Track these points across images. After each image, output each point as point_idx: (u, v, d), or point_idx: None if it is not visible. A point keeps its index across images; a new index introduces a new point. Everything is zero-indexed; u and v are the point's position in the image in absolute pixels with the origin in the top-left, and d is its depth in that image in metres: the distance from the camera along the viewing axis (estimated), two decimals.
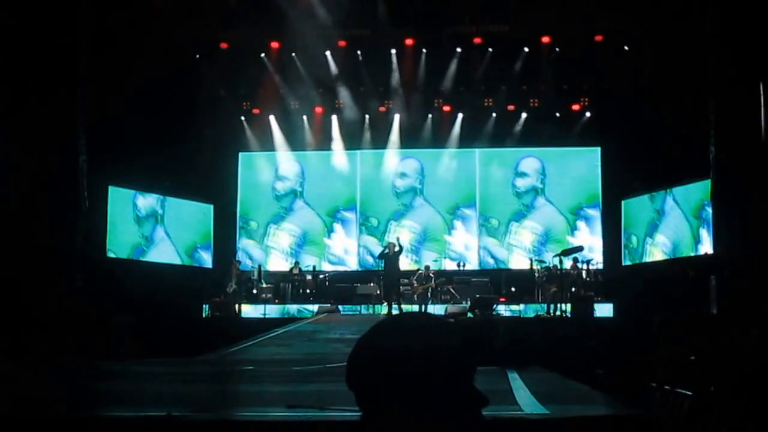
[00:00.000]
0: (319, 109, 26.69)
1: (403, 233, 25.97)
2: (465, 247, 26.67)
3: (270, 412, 5.52)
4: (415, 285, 23.90)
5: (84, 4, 19.51)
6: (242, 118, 26.82)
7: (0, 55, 19.06)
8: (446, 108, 26.66)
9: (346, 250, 27.00)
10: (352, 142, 26.93)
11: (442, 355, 1.89)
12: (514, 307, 23.28)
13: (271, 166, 27.36)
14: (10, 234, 18.99)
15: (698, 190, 22.05)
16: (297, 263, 25.88)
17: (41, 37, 18.73)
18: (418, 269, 24.62)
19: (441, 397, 1.86)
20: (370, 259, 26.32)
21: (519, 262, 25.96)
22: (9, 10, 18.43)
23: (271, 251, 27.01)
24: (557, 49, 25.13)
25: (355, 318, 20.67)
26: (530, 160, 26.77)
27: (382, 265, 22.67)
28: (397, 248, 21.94)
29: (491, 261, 26.50)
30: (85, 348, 16.08)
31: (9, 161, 18.28)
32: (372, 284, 24.32)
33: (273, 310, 23.73)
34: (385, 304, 22.46)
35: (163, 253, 24.61)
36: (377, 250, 24.42)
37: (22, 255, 18.59)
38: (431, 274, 23.98)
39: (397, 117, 26.64)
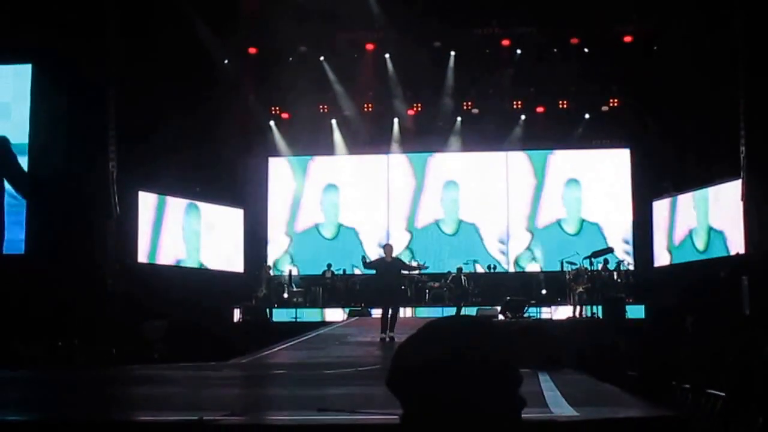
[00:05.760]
0: (347, 113, 26.70)
1: (433, 237, 26.00)
2: (496, 250, 26.58)
3: (301, 416, 5.55)
4: (452, 287, 23.84)
5: (113, 11, 19.72)
6: (272, 122, 26.90)
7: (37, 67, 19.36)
8: (475, 110, 26.59)
9: (378, 254, 26.98)
10: (381, 145, 26.93)
11: (490, 359, 1.86)
12: (546, 310, 23.19)
13: (301, 170, 27.41)
14: (44, 241, 19.23)
15: (728, 191, 21.84)
16: (329, 266, 25.90)
17: (71, 45, 18.97)
18: (450, 271, 24.53)
19: (486, 401, 1.84)
20: None
21: (549, 263, 25.81)
22: (42, 22, 18.71)
23: (303, 255, 27.02)
24: (586, 50, 25.01)
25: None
26: (560, 162, 26.64)
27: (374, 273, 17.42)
28: (396, 253, 18.17)
29: (522, 263, 26.41)
30: (118, 352, 16.25)
31: (45, 169, 18.51)
32: (402, 287, 24.14)
33: (306, 314, 23.70)
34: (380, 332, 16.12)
35: (194, 257, 24.73)
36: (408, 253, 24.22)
37: (57, 262, 18.82)
38: (462, 276, 23.85)
39: (425, 120, 26.61)
